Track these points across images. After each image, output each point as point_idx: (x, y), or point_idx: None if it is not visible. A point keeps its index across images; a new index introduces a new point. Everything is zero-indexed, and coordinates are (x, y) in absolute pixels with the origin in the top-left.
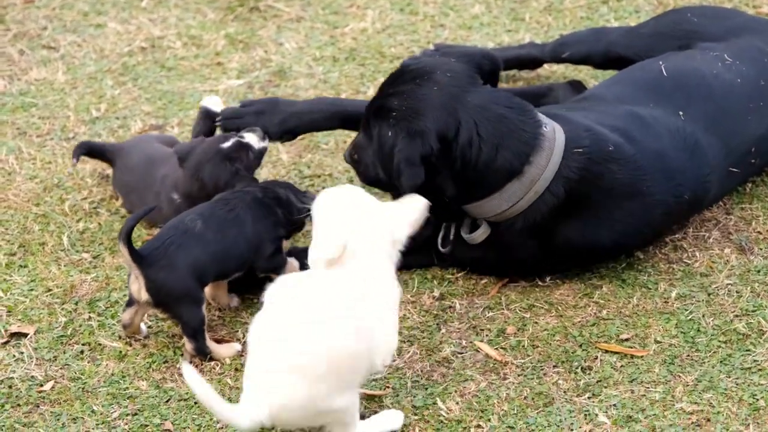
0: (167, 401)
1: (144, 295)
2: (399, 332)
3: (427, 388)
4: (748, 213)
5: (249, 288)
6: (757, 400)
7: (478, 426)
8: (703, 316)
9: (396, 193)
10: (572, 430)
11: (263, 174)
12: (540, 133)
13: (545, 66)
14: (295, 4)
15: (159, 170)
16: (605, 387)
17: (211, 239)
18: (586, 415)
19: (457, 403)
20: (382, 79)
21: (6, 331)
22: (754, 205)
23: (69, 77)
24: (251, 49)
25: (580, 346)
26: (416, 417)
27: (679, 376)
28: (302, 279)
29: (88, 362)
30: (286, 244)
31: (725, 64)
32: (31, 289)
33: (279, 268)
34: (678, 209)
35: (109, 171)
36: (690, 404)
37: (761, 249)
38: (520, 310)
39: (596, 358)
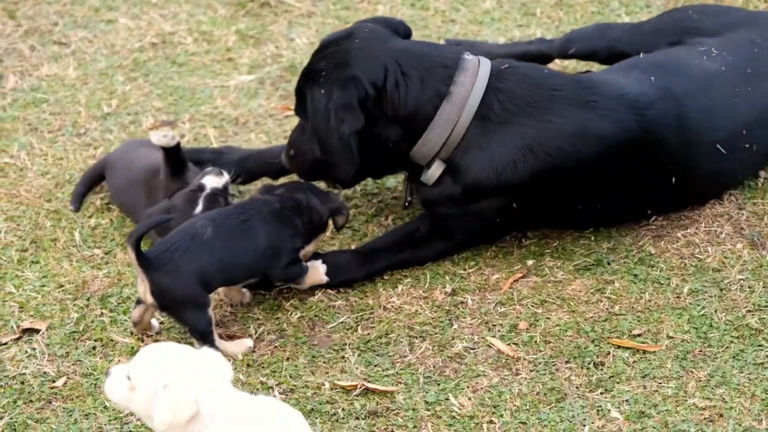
0: None
1: (149, 298)
2: (411, 327)
3: (439, 384)
4: (760, 208)
5: (261, 284)
6: None
7: (491, 422)
8: (716, 311)
9: (336, 177)
10: (585, 425)
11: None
12: (461, 57)
13: (556, 61)
14: (306, 0)
15: (146, 175)
16: (618, 382)
17: (219, 247)
18: (598, 410)
19: (470, 399)
20: None
21: (18, 327)
22: (767, 200)
23: (80, 73)
24: (262, 44)
25: (593, 341)
26: (428, 413)
27: (692, 372)
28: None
29: (101, 358)
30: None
31: (710, 56)
32: (43, 285)
33: (297, 278)
34: (639, 142)
35: None
36: (702, 400)
37: None
38: (532, 306)
39: (608, 353)
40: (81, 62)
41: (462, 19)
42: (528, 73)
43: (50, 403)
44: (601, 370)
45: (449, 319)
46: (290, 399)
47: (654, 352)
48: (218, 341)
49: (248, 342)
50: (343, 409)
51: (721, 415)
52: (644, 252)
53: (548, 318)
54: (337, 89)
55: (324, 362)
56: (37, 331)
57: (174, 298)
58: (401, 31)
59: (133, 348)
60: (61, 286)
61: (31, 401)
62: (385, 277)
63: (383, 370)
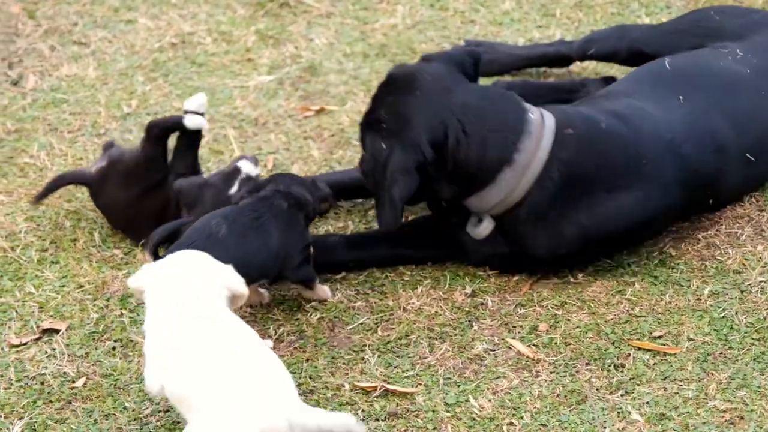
0: None
1: None
2: (431, 329)
3: (459, 386)
4: None
5: (280, 284)
6: None
7: (511, 423)
8: (736, 313)
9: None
10: (605, 427)
11: (294, 170)
12: (525, 119)
13: (577, 63)
14: (325, 0)
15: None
16: (638, 384)
17: (232, 245)
18: (619, 412)
19: (490, 401)
20: None
21: (38, 327)
22: None
23: (100, 73)
24: (281, 45)
25: (613, 343)
26: (448, 414)
27: (712, 374)
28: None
29: (120, 359)
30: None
31: (735, 58)
32: (63, 286)
33: (310, 281)
34: (686, 186)
35: None
36: (723, 402)
37: None
38: (552, 307)
39: (629, 355)
40: (101, 62)
41: (481, 20)
42: (589, 137)
43: (70, 403)
44: (622, 372)
45: (469, 321)
46: (310, 400)
47: (674, 354)
48: None
49: (268, 343)
50: (362, 411)
51: (742, 418)
52: (664, 254)
53: (568, 320)
54: (398, 151)
55: (344, 363)
56: (57, 331)
57: None
58: (467, 63)
59: None
60: (81, 286)
61: (50, 401)
62: (405, 278)
63: (403, 372)
